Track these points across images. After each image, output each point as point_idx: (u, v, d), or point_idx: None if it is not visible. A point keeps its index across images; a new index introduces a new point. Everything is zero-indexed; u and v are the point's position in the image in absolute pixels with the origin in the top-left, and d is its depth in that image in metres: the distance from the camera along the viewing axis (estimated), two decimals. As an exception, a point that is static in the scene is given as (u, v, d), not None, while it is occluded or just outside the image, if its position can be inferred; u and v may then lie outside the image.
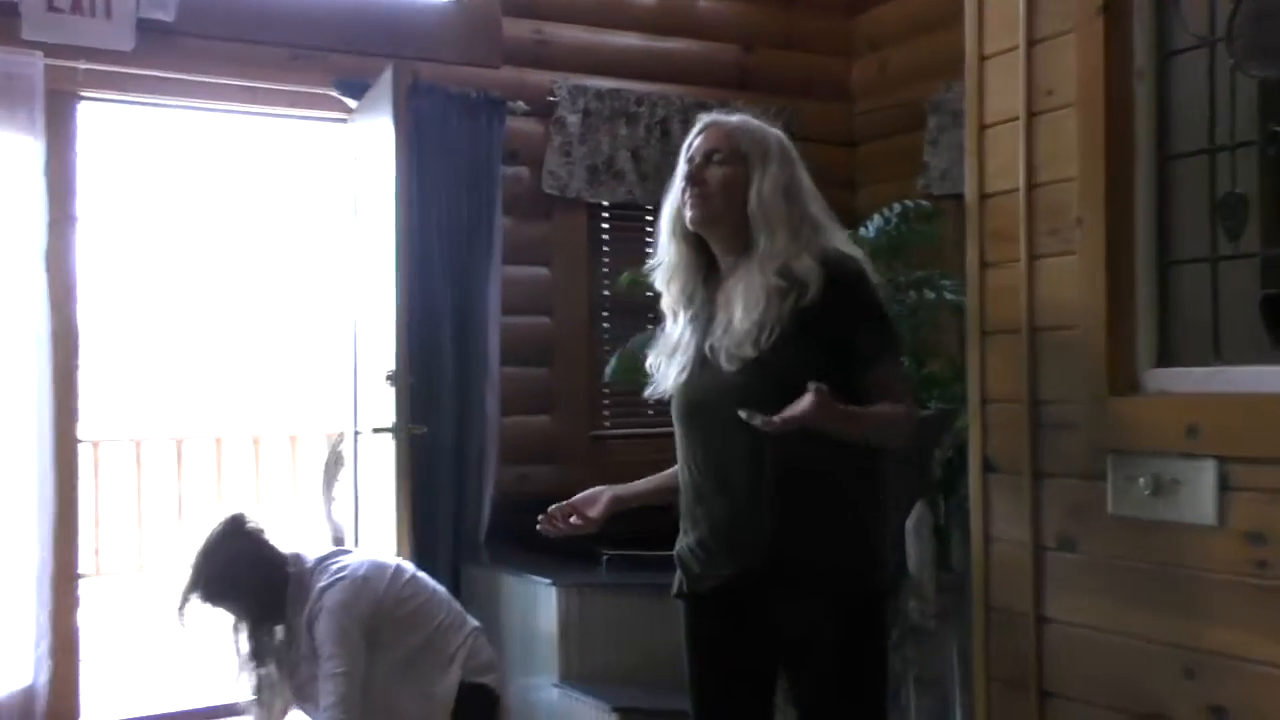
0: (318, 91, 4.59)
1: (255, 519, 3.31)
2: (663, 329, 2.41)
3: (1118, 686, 2.46)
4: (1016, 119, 2.68)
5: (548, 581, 3.93)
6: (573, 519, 2.43)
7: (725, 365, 2.19)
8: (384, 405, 4.13)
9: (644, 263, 5.41)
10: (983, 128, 2.78)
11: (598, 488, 2.47)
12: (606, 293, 5.01)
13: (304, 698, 3.22)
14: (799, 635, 2.19)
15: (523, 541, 4.54)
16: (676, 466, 2.39)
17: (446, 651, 3.28)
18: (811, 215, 2.28)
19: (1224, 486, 2.27)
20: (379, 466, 4.24)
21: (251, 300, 8.34)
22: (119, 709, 4.68)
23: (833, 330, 2.17)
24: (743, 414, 2.02)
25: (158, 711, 4.70)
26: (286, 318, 8.02)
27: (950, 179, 5.10)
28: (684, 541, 2.36)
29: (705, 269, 2.36)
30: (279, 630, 3.24)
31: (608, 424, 4.97)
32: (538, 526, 2.44)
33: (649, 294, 4.99)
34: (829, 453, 2.13)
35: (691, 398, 2.29)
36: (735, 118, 2.37)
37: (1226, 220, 2.38)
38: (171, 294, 8.64)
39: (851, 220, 3.09)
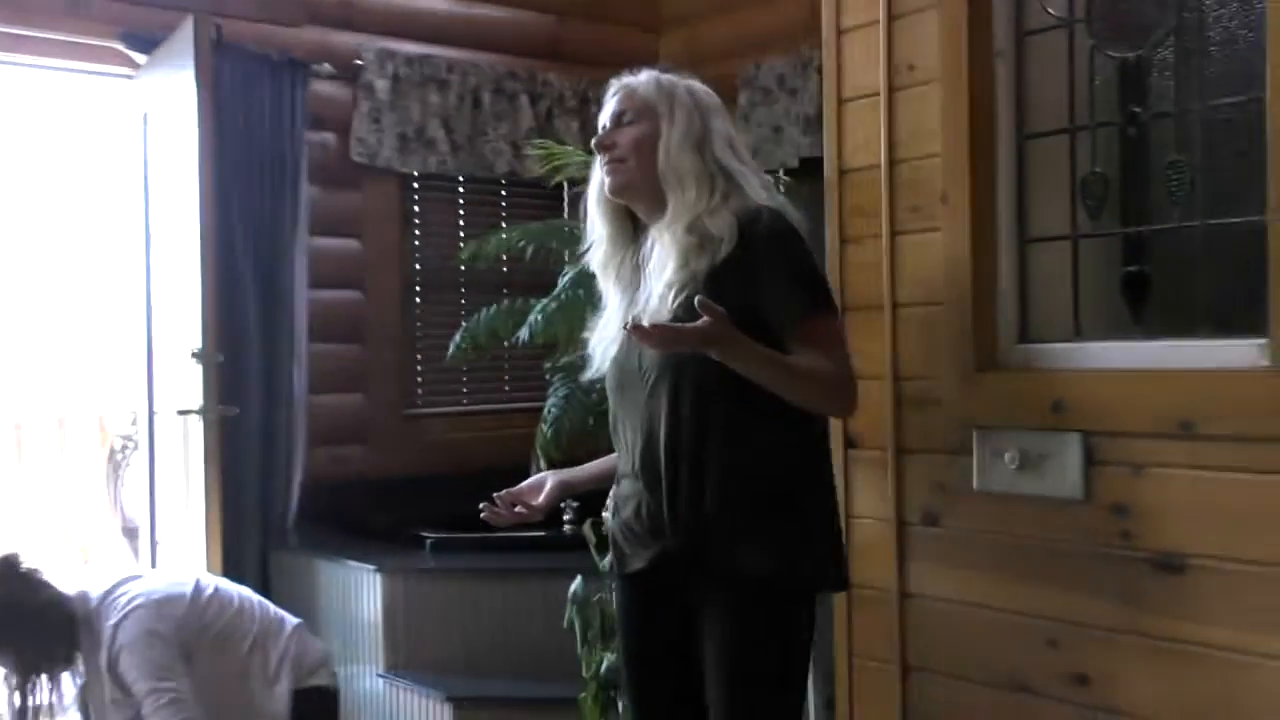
0: (98, 43, 4.23)
1: (29, 559, 2.95)
2: (603, 309, 2.28)
3: (981, 659, 2.49)
4: (877, 94, 2.67)
5: (371, 568, 3.73)
6: (518, 508, 2.27)
7: None
8: (186, 385, 3.85)
9: (458, 235, 5.21)
10: (841, 102, 2.76)
11: (542, 473, 2.33)
12: (419, 266, 4.82)
13: None
14: (714, 626, 2.07)
15: (336, 525, 4.35)
16: None
17: (269, 666, 3.06)
18: (727, 167, 2.13)
19: (1089, 460, 2.31)
20: (180, 451, 3.95)
21: (12, 273, 7.65)
22: None
23: (749, 285, 2.03)
24: (625, 327, 1.92)
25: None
26: (55, 292, 7.40)
27: (762, 155, 5.13)
28: (615, 521, 2.23)
29: (634, 240, 2.23)
30: (75, 678, 2.94)
31: (421, 402, 4.78)
32: (481, 515, 2.28)
33: (463, 268, 4.83)
34: (755, 428, 2.04)
35: (619, 371, 2.18)
36: (643, 75, 2.24)
37: (1088, 199, 2.43)
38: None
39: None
